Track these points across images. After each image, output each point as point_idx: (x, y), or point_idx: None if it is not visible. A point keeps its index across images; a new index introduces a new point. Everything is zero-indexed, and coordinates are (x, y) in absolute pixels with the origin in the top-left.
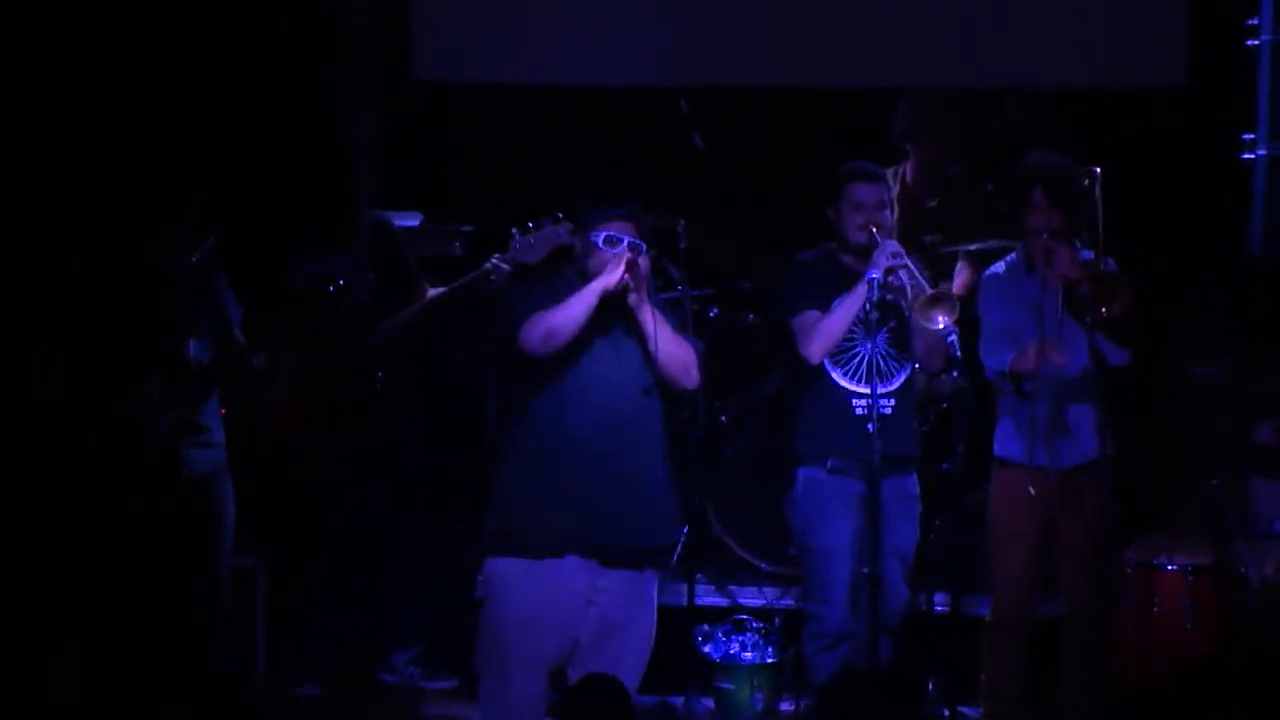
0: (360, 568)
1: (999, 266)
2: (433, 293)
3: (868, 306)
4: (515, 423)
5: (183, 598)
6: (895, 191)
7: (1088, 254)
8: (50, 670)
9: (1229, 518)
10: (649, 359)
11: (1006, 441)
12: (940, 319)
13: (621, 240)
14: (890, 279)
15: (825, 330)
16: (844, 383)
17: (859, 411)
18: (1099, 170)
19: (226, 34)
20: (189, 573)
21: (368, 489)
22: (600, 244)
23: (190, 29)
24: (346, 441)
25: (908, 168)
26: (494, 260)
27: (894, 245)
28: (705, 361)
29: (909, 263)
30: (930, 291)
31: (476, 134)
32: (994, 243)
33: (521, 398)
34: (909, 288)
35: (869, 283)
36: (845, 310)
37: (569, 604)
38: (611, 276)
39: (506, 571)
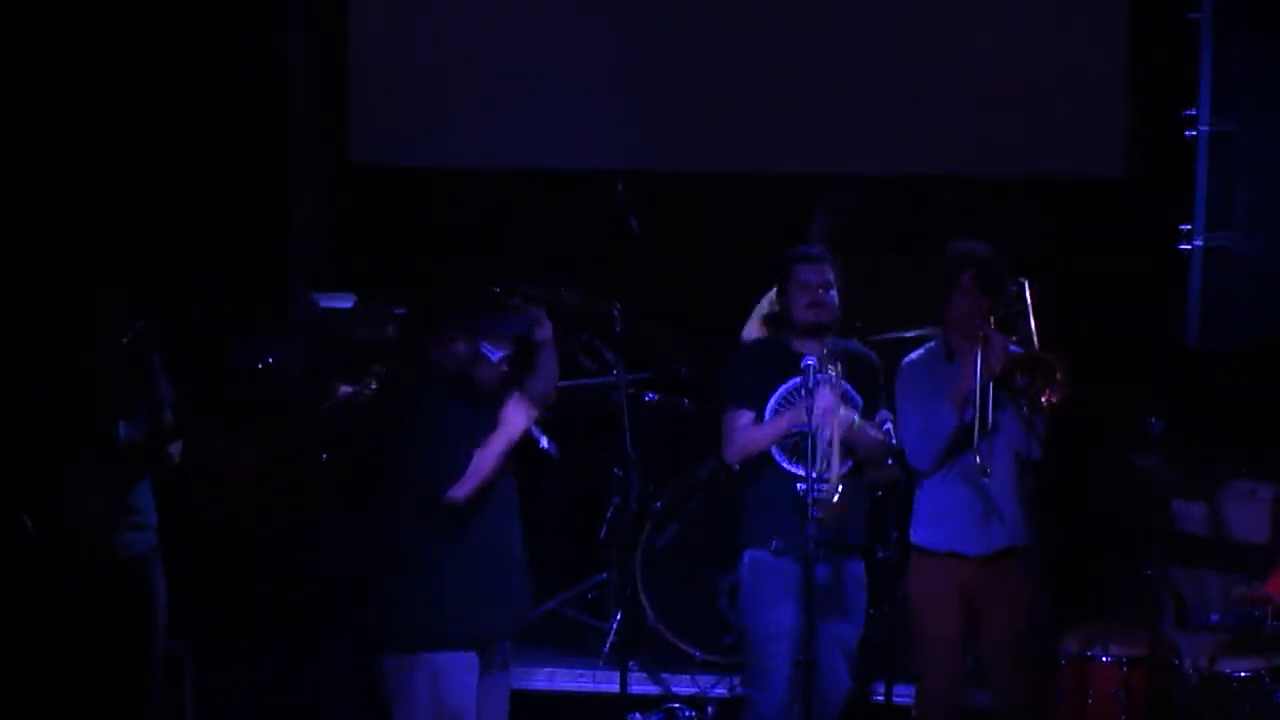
0: (298, 652)
1: (919, 353)
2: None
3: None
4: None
5: (114, 682)
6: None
7: (1016, 349)
8: None
9: (1162, 609)
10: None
11: (924, 528)
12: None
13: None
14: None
15: (748, 441)
16: (788, 466)
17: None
18: (1026, 281)
19: (166, 114)
20: (120, 657)
21: (308, 570)
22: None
23: (131, 109)
24: (296, 521)
25: None
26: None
27: (827, 400)
28: (641, 447)
29: (843, 417)
30: (836, 501)
31: (413, 216)
32: (928, 330)
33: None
34: (833, 444)
35: (806, 411)
36: (772, 429)
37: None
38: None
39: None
